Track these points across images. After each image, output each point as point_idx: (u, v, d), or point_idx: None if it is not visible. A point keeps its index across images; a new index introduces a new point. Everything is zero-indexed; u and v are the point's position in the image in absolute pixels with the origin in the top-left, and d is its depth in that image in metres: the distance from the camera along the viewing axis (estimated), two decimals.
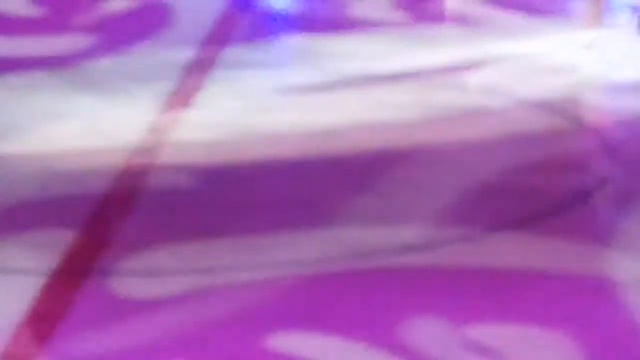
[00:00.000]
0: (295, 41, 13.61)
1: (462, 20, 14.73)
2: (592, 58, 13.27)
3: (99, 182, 9.14)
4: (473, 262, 7.75)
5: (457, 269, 7.62)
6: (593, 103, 11.45)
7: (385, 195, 8.90)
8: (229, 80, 11.96)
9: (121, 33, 13.56)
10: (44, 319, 6.81)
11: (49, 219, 8.31)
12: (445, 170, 9.47)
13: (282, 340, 6.48)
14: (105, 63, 12.51)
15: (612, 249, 7.96)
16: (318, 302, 7.03)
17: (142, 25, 14.01)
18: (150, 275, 7.46)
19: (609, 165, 9.69)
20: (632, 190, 9.03)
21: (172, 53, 12.78)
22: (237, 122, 10.68)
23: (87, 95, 11.54)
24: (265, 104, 11.33)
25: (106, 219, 8.58)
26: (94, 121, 10.71)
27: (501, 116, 11.09)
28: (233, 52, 13.02)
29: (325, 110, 10.95)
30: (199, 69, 12.20)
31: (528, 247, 7.98)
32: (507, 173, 9.35)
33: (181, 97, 11.47)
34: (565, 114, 10.93)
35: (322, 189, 9.14)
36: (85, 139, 10.23)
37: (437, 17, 14.72)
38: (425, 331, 6.63)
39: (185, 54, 12.74)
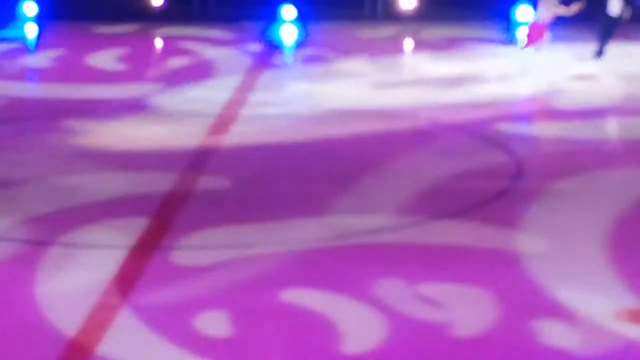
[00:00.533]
0: (300, 87, 13.34)
1: (417, 71, 14.50)
2: (510, 92, 12.96)
3: (163, 184, 8.96)
4: (424, 240, 7.70)
5: (413, 245, 7.56)
6: (508, 129, 11.20)
7: (362, 193, 8.79)
8: (254, 114, 11.71)
9: (178, 81, 13.44)
10: (125, 280, 6.76)
11: (129, 209, 8.23)
12: (404, 176, 9.39)
13: (289, 294, 6.45)
14: (166, 101, 12.38)
15: (520, 231, 7.89)
16: (315, 268, 6.96)
17: (193, 75, 13.88)
18: (198, 249, 7.34)
19: (518, 174, 9.52)
20: (532, 191, 8.96)
21: (213, 95, 12.59)
22: (258, 141, 10.54)
23: (153, 122, 11.46)
24: (280, 130, 11.23)
25: (168, 210, 8.49)
26: (157, 141, 10.58)
27: (442, 138, 10.97)
28: (257, 95, 12.73)
29: (320, 133, 10.86)
30: (233, 107, 12.00)
31: (461, 229, 7.87)
32: (446, 178, 9.27)
33: (219, 126, 11.36)
34: (489, 138, 10.81)
35: (317, 189, 8.97)
36: (150, 152, 10.11)
37: (398, 70, 14.39)
38: (391, 287, 6.56)
39: (223, 96, 12.49)
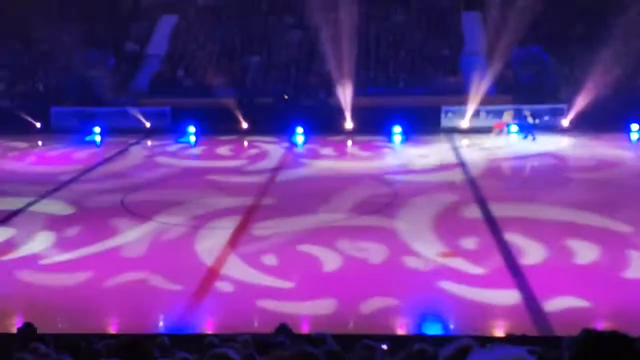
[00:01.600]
0: (306, 161, 17.71)
1: (353, 155, 19.12)
2: (392, 163, 17.61)
3: (248, 201, 13.48)
4: (358, 223, 12.15)
5: (354, 225, 11.92)
6: (392, 177, 15.65)
7: (332, 204, 13.37)
8: (288, 172, 16.34)
9: (256, 158, 18.90)
10: (232, 243, 11.42)
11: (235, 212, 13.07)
12: (350, 196, 13.88)
13: (302, 247, 10.76)
14: (249, 167, 17.36)
15: (397, 220, 12.14)
16: (312, 236, 11.30)
17: (261, 156, 19.30)
18: (264, 228, 11.94)
19: (396, 196, 13.70)
20: (402, 203, 13.16)
21: (270, 164, 17.61)
22: (289, 181, 15.16)
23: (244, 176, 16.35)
24: (297, 180, 15.67)
25: (249, 216, 13.09)
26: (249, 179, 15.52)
27: (363, 181, 14.95)
28: (289, 165, 17.39)
29: (315, 178, 15.31)
30: (280, 169, 16.66)
31: (372, 219, 12.18)
32: (367, 197, 13.87)
33: (273, 174, 15.88)
34: (385, 181, 15.18)
35: (313, 202, 13.26)
36: (247, 184, 14.84)
37: (345, 154, 19.08)
38: (345, 243, 10.91)
39: (274, 164, 17.11)
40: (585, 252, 10.39)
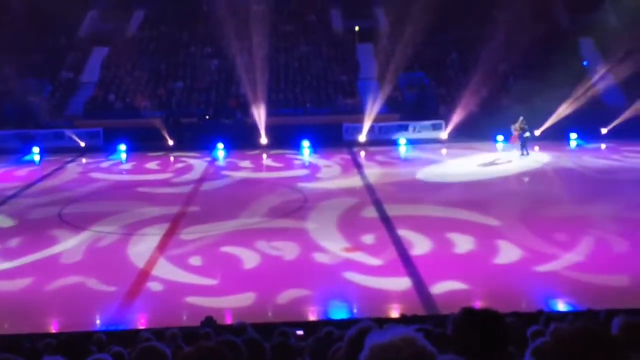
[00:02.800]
0: (225, 173, 17.69)
1: (267, 165, 19.31)
2: (302, 173, 17.73)
3: (175, 209, 13.32)
4: (274, 225, 12.20)
5: (270, 227, 12.07)
6: (304, 186, 15.95)
7: (250, 210, 13.35)
8: (211, 183, 16.30)
9: (182, 172, 18.17)
10: (161, 247, 11.43)
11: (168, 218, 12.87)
12: (264, 204, 13.95)
13: (225, 248, 10.75)
14: (176, 180, 17.05)
15: (306, 221, 12.24)
16: (233, 238, 11.32)
17: (187, 170, 18.81)
18: (192, 233, 11.83)
19: (306, 200, 13.93)
20: (311, 206, 13.53)
21: (195, 176, 17.04)
22: (210, 190, 15.06)
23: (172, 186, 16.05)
24: (219, 187, 15.73)
25: (177, 222, 12.91)
26: (175, 187, 15.18)
27: (279, 188, 15.19)
28: (210, 177, 17.28)
29: (235, 186, 15.35)
30: (204, 180, 16.59)
31: (286, 221, 12.32)
32: (280, 203, 13.85)
33: (197, 184, 15.70)
34: (296, 189, 15.38)
35: (234, 209, 13.23)
36: (171, 193, 14.48)
37: (260, 165, 19.71)
38: (262, 243, 11.01)
39: (198, 175, 17.02)
40: (463, 243, 10.83)
